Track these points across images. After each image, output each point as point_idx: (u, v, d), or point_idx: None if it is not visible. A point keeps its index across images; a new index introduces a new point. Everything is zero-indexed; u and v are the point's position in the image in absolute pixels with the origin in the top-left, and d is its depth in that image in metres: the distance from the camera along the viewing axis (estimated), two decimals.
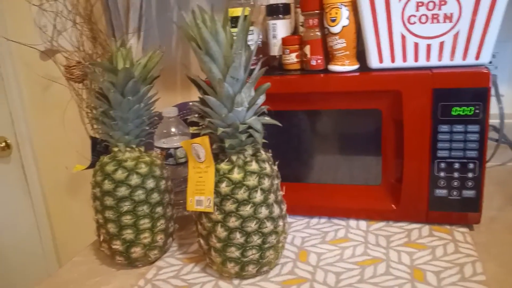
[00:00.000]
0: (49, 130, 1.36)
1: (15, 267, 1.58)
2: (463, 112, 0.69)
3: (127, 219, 0.68)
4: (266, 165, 0.65)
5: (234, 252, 0.63)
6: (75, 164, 0.79)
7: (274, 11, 0.82)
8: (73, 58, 1.05)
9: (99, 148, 0.75)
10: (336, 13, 0.71)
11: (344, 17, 0.71)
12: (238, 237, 0.63)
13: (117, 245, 0.69)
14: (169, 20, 1.10)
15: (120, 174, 0.68)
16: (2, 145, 1.42)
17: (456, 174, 0.72)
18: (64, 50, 1.07)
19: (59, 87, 1.24)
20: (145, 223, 0.69)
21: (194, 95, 1.16)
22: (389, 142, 0.75)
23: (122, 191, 0.68)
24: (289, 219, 0.81)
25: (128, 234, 0.69)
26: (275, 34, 0.82)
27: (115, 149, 0.70)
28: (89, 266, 0.75)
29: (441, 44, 0.69)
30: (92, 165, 0.74)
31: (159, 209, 0.71)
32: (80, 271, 0.74)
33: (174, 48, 1.13)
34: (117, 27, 1.00)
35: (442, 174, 0.72)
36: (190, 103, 1.01)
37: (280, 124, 0.65)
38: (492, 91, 0.69)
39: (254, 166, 0.63)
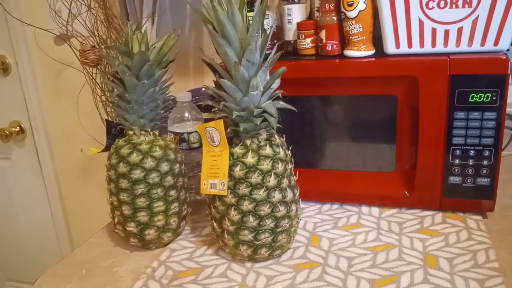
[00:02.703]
0: (62, 114, 1.37)
1: (29, 250, 1.61)
2: (480, 99, 0.68)
3: (141, 202, 0.69)
4: (280, 150, 0.65)
5: (247, 235, 0.64)
6: (88, 148, 0.80)
7: None
8: (88, 42, 1.06)
9: (114, 131, 0.75)
10: None
11: (361, 1, 0.71)
12: (251, 221, 0.63)
13: (132, 227, 0.70)
14: (183, 4, 1.10)
15: (135, 157, 0.68)
16: (16, 129, 1.44)
17: (471, 162, 0.71)
18: (79, 35, 1.07)
19: (72, 72, 1.25)
20: (159, 205, 0.70)
21: (207, 81, 1.16)
22: (404, 128, 0.75)
23: (137, 173, 0.68)
24: (301, 205, 0.81)
25: (142, 216, 0.70)
26: (290, 19, 0.82)
27: (130, 132, 0.71)
28: (103, 247, 0.77)
29: (460, 30, 0.68)
30: (107, 148, 0.75)
31: (173, 192, 0.72)
32: (95, 252, 0.75)
33: (187, 33, 1.13)
34: (131, 12, 1.00)
35: (456, 161, 0.72)
36: (203, 89, 1.02)
37: (295, 109, 0.65)
38: (510, 79, 0.68)
39: (268, 150, 0.63)
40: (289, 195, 0.65)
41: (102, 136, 0.92)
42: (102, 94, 1.15)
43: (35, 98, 1.39)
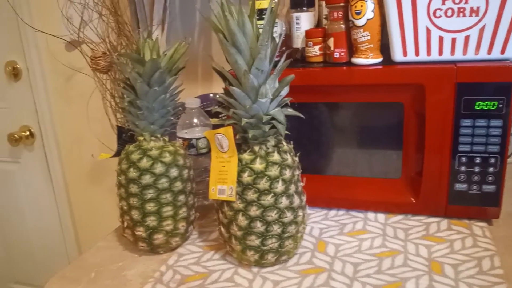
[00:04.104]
0: (72, 119, 1.39)
1: (36, 253, 1.63)
2: (486, 107, 0.69)
3: (150, 207, 0.70)
4: (288, 156, 0.66)
5: (254, 241, 0.65)
6: (97, 153, 0.81)
7: (298, 4, 0.82)
8: (99, 49, 1.08)
9: (125, 137, 0.77)
10: (362, 6, 0.71)
11: (369, 10, 0.72)
12: (259, 226, 0.64)
13: (140, 231, 0.71)
14: (192, 12, 1.12)
15: (145, 163, 0.70)
16: (26, 134, 1.46)
17: (477, 169, 0.72)
18: (90, 41, 1.09)
19: (82, 77, 1.26)
20: (168, 210, 0.71)
21: (215, 87, 1.17)
22: (411, 135, 0.76)
23: (147, 179, 0.69)
24: (308, 211, 0.82)
25: (151, 221, 0.71)
26: (298, 27, 0.83)
27: (141, 138, 0.72)
28: (112, 251, 0.78)
29: (466, 38, 0.69)
30: (117, 154, 0.76)
31: (181, 197, 0.73)
32: (104, 256, 0.76)
33: (196, 40, 1.15)
34: (141, 19, 1.02)
35: (462, 168, 0.72)
36: (211, 95, 1.03)
37: (303, 116, 0.65)
38: None
39: (276, 157, 0.64)
40: (296, 201, 0.66)
41: (111, 141, 0.93)
42: (112, 100, 1.17)
43: (45, 103, 1.40)
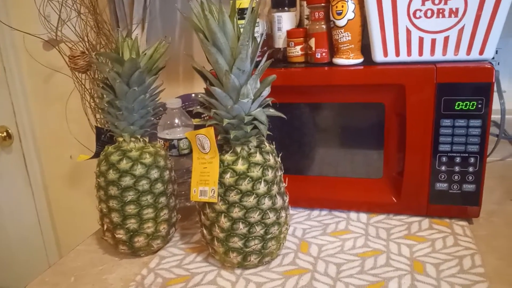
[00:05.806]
0: (51, 120, 1.36)
1: (16, 257, 1.59)
2: (465, 107, 0.69)
3: (131, 209, 0.69)
4: (270, 157, 0.65)
5: (237, 242, 0.64)
6: (76, 155, 0.80)
7: (279, 4, 0.82)
8: (77, 48, 1.06)
9: (104, 138, 0.75)
10: (342, 6, 0.71)
11: (350, 10, 0.72)
12: (241, 228, 0.63)
13: (121, 234, 0.70)
14: (173, 11, 1.11)
15: (124, 164, 0.68)
16: (3, 135, 1.42)
17: (457, 168, 0.73)
18: (68, 40, 1.07)
19: (61, 77, 1.24)
20: (148, 213, 0.70)
21: (196, 87, 1.16)
22: (391, 135, 0.76)
23: (127, 181, 0.68)
24: (291, 211, 0.82)
25: (132, 223, 0.70)
26: (280, 27, 0.83)
27: (120, 139, 0.71)
28: (92, 255, 0.76)
29: (446, 39, 0.70)
30: (96, 155, 0.74)
31: (162, 199, 0.72)
32: (84, 260, 0.75)
33: (177, 40, 1.14)
34: (121, 18, 1.00)
35: (443, 168, 0.73)
36: (193, 95, 1.02)
37: (284, 116, 0.65)
38: (494, 87, 0.69)
39: (258, 157, 0.64)
40: (279, 201, 0.66)
41: (91, 142, 0.91)
42: (91, 100, 1.15)
43: (23, 103, 1.37)
